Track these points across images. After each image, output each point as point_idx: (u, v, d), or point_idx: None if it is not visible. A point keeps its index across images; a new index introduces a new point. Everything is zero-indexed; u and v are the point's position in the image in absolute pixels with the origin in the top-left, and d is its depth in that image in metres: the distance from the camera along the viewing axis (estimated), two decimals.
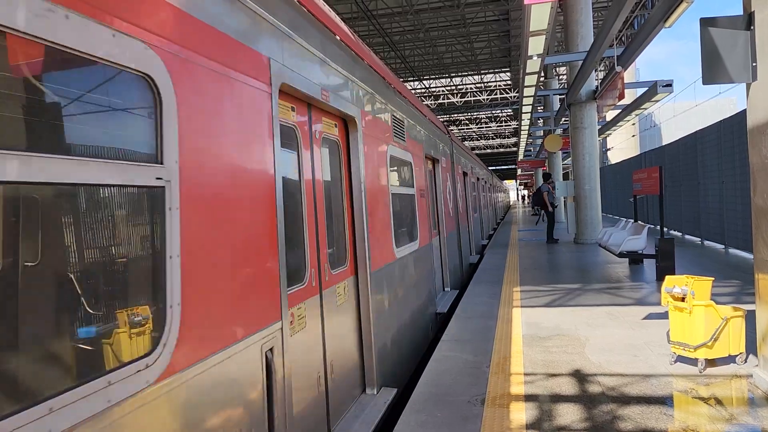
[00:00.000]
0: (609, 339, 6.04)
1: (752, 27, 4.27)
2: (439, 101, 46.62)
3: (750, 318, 4.90)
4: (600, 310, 7.46)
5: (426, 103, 44.68)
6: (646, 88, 15.30)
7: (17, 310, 1.73)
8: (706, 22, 4.44)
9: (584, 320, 6.91)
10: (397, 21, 26.14)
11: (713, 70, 4.42)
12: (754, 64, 4.30)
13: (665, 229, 14.22)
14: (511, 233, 22.17)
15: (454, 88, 45.08)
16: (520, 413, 4.19)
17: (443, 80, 42.86)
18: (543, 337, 6.23)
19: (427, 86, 42.57)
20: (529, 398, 4.47)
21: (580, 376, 4.92)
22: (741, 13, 4.45)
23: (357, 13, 23.78)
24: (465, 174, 14.99)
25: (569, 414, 4.13)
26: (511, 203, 77.16)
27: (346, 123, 4.93)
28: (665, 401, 4.29)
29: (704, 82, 4.50)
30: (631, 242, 10.35)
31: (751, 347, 4.92)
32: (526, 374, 5.04)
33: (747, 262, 11.03)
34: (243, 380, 2.80)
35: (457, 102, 46.86)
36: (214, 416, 2.56)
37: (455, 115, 54.17)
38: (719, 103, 50.00)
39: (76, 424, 1.79)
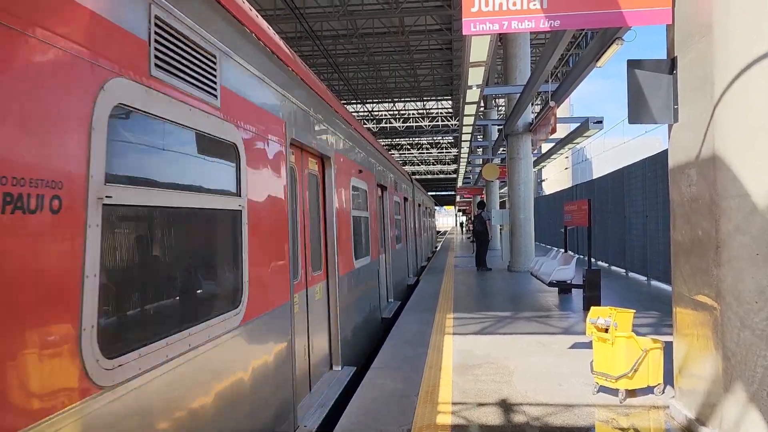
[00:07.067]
0: (536, 367, 6.12)
1: (675, 71, 4.48)
2: (381, 125, 47.01)
3: (668, 349, 5.07)
4: (530, 338, 7.57)
5: (368, 126, 44.98)
6: (579, 124, 15.88)
7: None
8: (633, 64, 4.63)
9: (514, 348, 6.99)
10: (342, 43, 26.30)
11: (638, 111, 4.60)
12: (675, 106, 4.50)
13: (593, 260, 14.71)
14: (447, 259, 22.41)
15: (396, 112, 45.62)
16: None
17: (386, 104, 43.31)
18: (473, 365, 6.25)
19: (370, 110, 42.89)
20: (455, 428, 4.44)
21: (506, 406, 4.93)
22: (665, 57, 4.68)
23: (302, 33, 23.77)
24: (406, 200, 15.42)
25: None
26: (448, 230, 78.02)
27: (323, 161, 6.31)
28: (587, 431, 4.35)
29: (630, 122, 4.67)
30: (560, 272, 10.62)
31: (669, 378, 5.08)
32: (454, 403, 5.02)
33: (666, 293, 11.51)
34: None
35: (399, 127, 47.39)
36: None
37: (397, 140, 54.77)
38: (646, 142, 52.70)
39: None
